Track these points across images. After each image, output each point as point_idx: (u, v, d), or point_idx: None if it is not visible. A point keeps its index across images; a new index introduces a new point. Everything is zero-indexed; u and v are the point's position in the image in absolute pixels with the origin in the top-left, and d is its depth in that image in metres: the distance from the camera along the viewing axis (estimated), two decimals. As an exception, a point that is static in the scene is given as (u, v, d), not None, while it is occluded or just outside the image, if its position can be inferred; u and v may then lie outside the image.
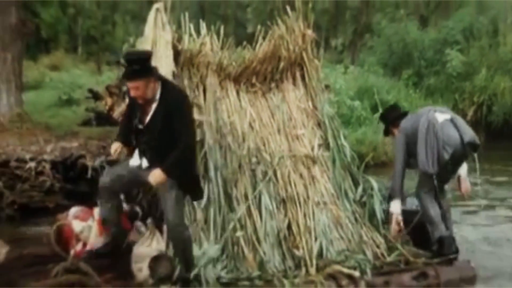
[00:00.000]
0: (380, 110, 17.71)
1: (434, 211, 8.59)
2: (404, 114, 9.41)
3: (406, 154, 8.81)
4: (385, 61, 24.30)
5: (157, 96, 6.80)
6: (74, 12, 44.95)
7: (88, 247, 8.08)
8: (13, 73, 15.56)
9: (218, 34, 8.62)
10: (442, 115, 8.71)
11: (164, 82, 6.92)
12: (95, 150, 13.00)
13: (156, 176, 6.64)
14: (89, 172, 12.15)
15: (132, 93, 6.77)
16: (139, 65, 6.73)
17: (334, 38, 45.92)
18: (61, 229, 8.21)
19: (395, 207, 8.70)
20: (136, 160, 7.08)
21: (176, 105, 6.77)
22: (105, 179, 7.32)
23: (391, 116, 9.39)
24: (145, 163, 6.97)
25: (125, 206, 8.56)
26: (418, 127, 8.65)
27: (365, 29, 37.24)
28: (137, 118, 6.97)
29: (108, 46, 35.14)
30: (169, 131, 6.72)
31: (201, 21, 8.66)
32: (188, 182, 7.00)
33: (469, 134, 8.60)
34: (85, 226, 8.23)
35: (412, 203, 9.40)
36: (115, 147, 7.09)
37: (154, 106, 6.82)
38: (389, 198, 8.93)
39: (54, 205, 11.25)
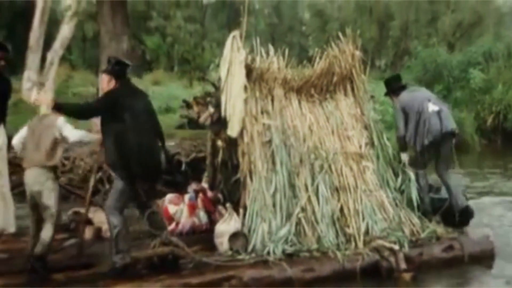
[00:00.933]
0: None
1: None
2: (403, 87, 9.72)
3: (404, 118, 9.19)
4: (420, 78, 24.22)
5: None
6: (171, 40, 45.48)
7: (180, 226, 8.16)
8: (123, 87, 15.74)
9: (283, 55, 8.59)
10: (432, 106, 9.07)
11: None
12: (188, 148, 13.13)
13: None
14: (183, 166, 12.26)
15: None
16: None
17: (379, 60, 45.63)
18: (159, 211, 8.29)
19: (404, 156, 9.11)
20: None
21: None
22: None
23: (393, 85, 9.68)
24: None
25: (209, 193, 8.61)
26: (414, 106, 9.11)
27: (404, 52, 37.18)
28: None
29: (198, 66, 35.39)
30: None
31: (270, 45, 8.65)
32: None
33: (449, 125, 9.04)
34: (177, 209, 8.30)
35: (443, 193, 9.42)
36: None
37: None
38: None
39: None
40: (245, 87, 8.03)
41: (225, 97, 7.95)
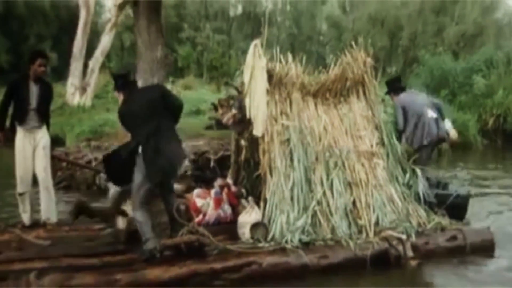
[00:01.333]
0: None
1: None
2: (403, 88, 10.11)
3: (403, 115, 9.59)
4: (428, 83, 24.10)
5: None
6: (201, 49, 45.70)
7: (206, 218, 8.18)
8: (158, 92, 15.82)
9: (301, 62, 8.59)
10: (431, 112, 9.60)
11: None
12: (216, 147, 13.18)
13: None
14: (212, 163, 12.30)
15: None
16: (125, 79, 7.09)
17: (390, 67, 45.47)
18: (187, 204, 8.35)
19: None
20: None
21: None
22: None
23: (394, 86, 10.03)
24: None
25: (233, 187, 8.62)
26: (414, 107, 9.57)
27: (412, 60, 36.99)
28: None
29: (225, 72, 35.35)
30: None
31: (289, 53, 8.64)
32: None
33: (443, 131, 9.68)
34: (204, 202, 8.32)
35: (453, 189, 9.55)
36: None
37: None
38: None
39: (186, 187, 11.37)
40: (267, 91, 8.03)
41: (249, 100, 7.95)
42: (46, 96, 8.28)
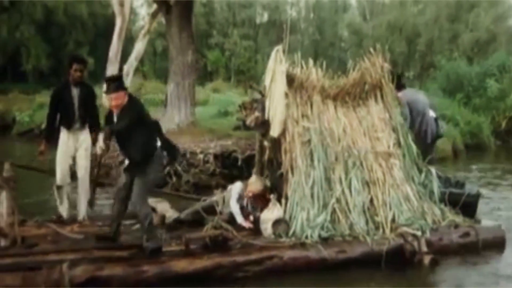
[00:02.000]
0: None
1: None
2: (403, 85, 10.09)
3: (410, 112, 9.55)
4: (444, 87, 24.05)
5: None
6: (229, 54, 45.79)
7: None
8: (188, 94, 15.94)
9: (321, 67, 8.54)
10: (432, 112, 9.85)
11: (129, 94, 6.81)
12: (243, 147, 13.20)
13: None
14: (239, 161, 12.32)
15: (114, 102, 6.60)
16: (117, 82, 6.69)
17: (407, 71, 45.20)
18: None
19: None
20: None
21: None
22: None
23: (397, 83, 9.55)
24: None
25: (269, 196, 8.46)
26: (418, 105, 9.69)
27: (429, 65, 36.88)
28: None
29: (252, 76, 35.51)
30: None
31: (310, 59, 8.61)
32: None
33: (441, 130, 10.03)
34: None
35: (470, 188, 9.47)
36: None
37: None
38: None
39: (215, 184, 11.40)
40: (286, 94, 8.00)
41: (269, 102, 7.96)
42: (87, 99, 8.27)
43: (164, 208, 8.28)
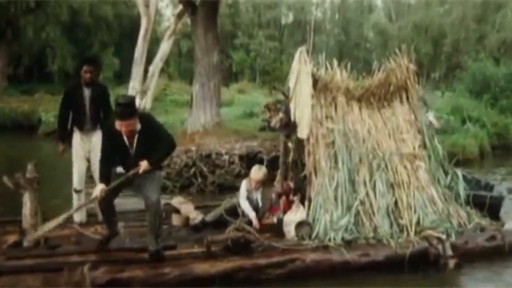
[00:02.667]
0: (468, 124, 18.64)
1: None
2: None
3: None
4: (471, 88, 23.73)
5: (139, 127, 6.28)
6: (254, 55, 45.79)
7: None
8: (214, 95, 15.88)
9: (345, 68, 8.46)
10: (430, 115, 9.38)
11: (140, 115, 6.37)
12: (269, 148, 13.15)
13: (144, 165, 6.18)
14: (265, 162, 12.27)
15: (126, 128, 6.15)
16: (131, 107, 6.18)
17: (433, 72, 44.83)
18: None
19: None
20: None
21: (152, 127, 6.40)
22: None
23: None
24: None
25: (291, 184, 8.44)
26: None
27: (455, 66, 36.54)
28: (125, 147, 6.35)
29: (277, 77, 35.46)
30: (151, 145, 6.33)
31: (334, 59, 8.53)
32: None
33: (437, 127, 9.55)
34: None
35: (499, 190, 9.44)
36: (100, 188, 6.17)
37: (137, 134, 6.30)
38: None
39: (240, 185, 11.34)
40: (311, 95, 7.93)
41: (294, 104, 7.89)
42: (99, 99, 8.16)
43: (188, 210, 8.22)
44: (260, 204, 8.17)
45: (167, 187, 11.89)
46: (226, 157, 12.81)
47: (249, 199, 8.16)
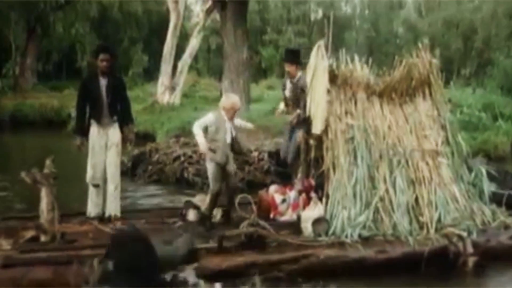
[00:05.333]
0: (500, 121, 18.34)
1: None
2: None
3: None
4: (502, 84, 23.40)
5: None
6: (283, 51, 45.54)
7: (282, 218, 8.07)
8: (243, 91, 15.94)
9: (367, 63, 8.33)
10: None
11: None
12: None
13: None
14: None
15: None
16: None
17: (464, 69, 44.21)
18: (261, 199, 8.34)
19: None
20: None
21: None
22: None
23: (294, 59, 8.95)
24: None
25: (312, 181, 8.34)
26: None
27: (486, 62, 35.92)
28: None
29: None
30: None
31: (355, 54, 8.41)
32: None
33: None
34: (283, 199, 8.21)
35: None
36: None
37: None
38: None
39: (270, 182, 11.25)
40: (328, 90, 7.82)
41: (310, 98, 7.80)
42: (116, 90, 8.02)
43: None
44: (233, 133, 7.89)
45: (196, 183, 11.96)
46: (255, 153, 12.78)
47: (221, 129, 7.72)
